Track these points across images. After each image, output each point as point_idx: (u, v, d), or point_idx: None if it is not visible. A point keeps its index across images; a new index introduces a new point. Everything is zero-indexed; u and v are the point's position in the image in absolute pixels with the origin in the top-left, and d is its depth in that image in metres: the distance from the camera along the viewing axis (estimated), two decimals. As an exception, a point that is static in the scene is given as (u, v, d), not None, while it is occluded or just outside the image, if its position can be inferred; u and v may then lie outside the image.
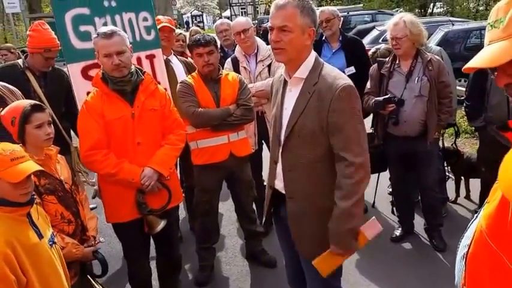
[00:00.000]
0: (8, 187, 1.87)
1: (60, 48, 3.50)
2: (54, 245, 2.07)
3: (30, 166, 1.94)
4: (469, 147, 6.22)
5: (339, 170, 2.03)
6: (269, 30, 2.05)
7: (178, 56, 4.34)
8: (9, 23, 22.38)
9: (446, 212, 4.34)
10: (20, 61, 3.61)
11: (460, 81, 8.05)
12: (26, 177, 1.88)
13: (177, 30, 4.96)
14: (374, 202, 4.63)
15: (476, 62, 1.07)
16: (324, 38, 4.38)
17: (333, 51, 4.34)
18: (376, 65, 3.80)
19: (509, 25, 1.02)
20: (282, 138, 2.16)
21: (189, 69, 4.15)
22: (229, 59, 4.10)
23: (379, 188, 4.58)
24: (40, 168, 2.01)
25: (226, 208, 4.67)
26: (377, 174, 4.36)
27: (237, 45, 4.12)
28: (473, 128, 6.67)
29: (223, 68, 3.64)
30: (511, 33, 1.02)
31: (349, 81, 2.03)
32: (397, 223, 4.15)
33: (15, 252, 1.83)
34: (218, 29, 4.87)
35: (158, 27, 3.90)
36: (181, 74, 4.06)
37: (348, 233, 2.06)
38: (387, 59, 3.74)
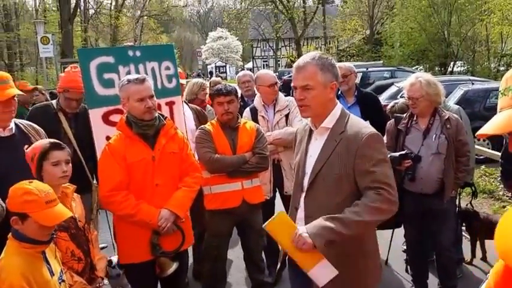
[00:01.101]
0: (35, 227, 1.92)
1: (82, 91, 3.62)
2: (63, 283, 2.10)
3: (64, 212, 2.01)
4: (486, 207, 6.11)
5: (364, 197, 2.03)
6: (293, 89, 2.16)
7: (190, 104, 4.49)
8: (41, 66, 23.45)
9: (461, 273, 4.21)
10: (54, 102, 3.77)
11: (478, 140, 8.03)
12: None
13: (199, 80, 5.20)
14: (387, 259, 4.54)
15: (488, 128, 1.13)
16: (339, 92, 4.49)
17: (348, 105, 4.42)
18: (393, 120, 3.83)
19: None
20: (306, 184, 2.19)
21: (199, 116, 4.31)
22: (248, 109, 4.24)
23: (393, 245, 4.50)
24: (71, 214, 2.07)
25: (235, 255, 4.61)
26: (391, 231, 4.30)
27: (257, 95, 4.25)
28: (491, 188, 6.64)
29: (241, 117, 3.76)
30: None
31: (375, 130, 2.10)
32: (410, 282, 4.04)
33: (31, 286, 1.87)
34: (240, 80, 5.06)
35: None
36: (190, 122, 4.21)
37: (328, 235, 1.97)
38: (405, 115, 3.75)
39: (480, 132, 1.15)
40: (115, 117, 3.25)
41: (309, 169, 2.19)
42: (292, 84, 2.17)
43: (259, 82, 4.22)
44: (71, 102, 3.68)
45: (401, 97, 6.87)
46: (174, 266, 2.88)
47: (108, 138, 3.04)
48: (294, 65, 2.18)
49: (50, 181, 2.37)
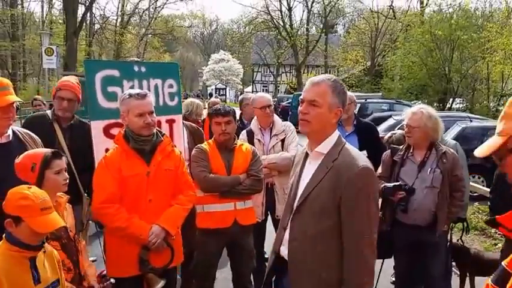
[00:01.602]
0: (28, 232, 1.94)
1: (74, 92, 3.65)
2: None
3: (57, 221, 2.02)
4: (477, 244, 6.12)
5: (345, 246, 2.06)
6: (300, 102, 2.19)
7: (184, 122, 4.49)
8: (44, 77, 23.61)
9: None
10: (49, 112, 3.76)
11: (473, 177, 8.05)
12: None
13: (194, 100, 5.29)
14: (375, 289, 4.50)
15: (478, 151, 1.43)
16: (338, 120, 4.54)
17: (346, 134, 4.46)
18: (389, 151, 3.85)
19: (501, 121, 1.34)
20: (295, 206, 2.21)
21: (192, 133, 4.32)
22: (244, 131, 4.28)
23: (382, 276, 4.47)
24: (65, 224, 2.09)
25: (224, 276, 4.53)
26: (381, 261, 4.28)
27: (254, 119, 4.30)
28: (483, 225, 6.64)
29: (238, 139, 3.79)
30: (500, 130, 1.34)
31: (369, 163, 2.09)
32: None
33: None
34: (245, 101, 5.16)
35: None
36: (184, 139, 4.18)
37: None
38: (401, 147, 3.78)
39: (476, 152, 1.41)
40: (115, 131, 3.28)
41: (299, 192, 2.21)
42: (300, 97, 2.20)
43: (253, 104, 4.28)
44: (61, 101, 3.61)
45: (399, 129, 6.93)
46: (161, 283, 2.86)
47: (107, 150, 3.06)
48: (310, 79, 2.22)
49: (52, 189, 2.40)
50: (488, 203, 3.95)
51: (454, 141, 4.40)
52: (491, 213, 3.96)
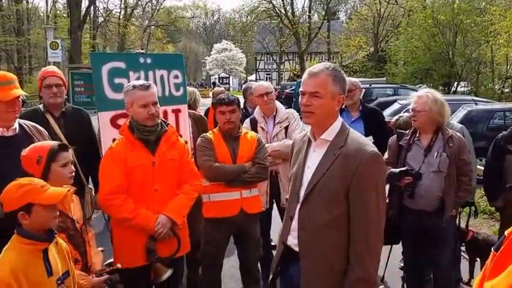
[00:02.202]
0: (43, 213, 1.98)
1: (59, 76, 3.61)
2: (62, 285, 2.10)
3: (60, 189, 2.07)
4: (486, 228, 6.09)
5: (352, 233, 2.06)
6: (300, 94, 2.16)
7: (188, 111, 4.51)
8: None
9: (458, 292, 4.21)
10: (40, 106, 3.70)
11: (481, 160, 8.00)
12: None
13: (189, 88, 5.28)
14: (384, 276, 4.51)
15: None
16: (344, 106, 4.52)
17: (352, 119, 4.44)
18: (395, 136, 3.82)
19: None
20: (302, 195, 2.19)
21: (196, 121, 4.33)
22: (248, 119, 4.27)
23: (390, 261, 4.48)
24: (66, 189, 2.13)
25: (231, 264, 4.56)
26: (389, 247, 4.28)
27: (257, 107, 4.29)
28: (492, 209, 6.62)
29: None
30: None
31: (376, 149, 2.08)
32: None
33: (19, 283, 1.89)
34: (249, 90, 5.18)
35: None
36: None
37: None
38: (407, 131, 3.74)
39: None
40: (122, 121, 3.29)
41: (305, 181, 2.19)
42: (300, 89, 2.17)
43: (255, 93, 4.27)
44: (50, 89, 3.53)
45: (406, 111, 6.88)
46: (168, 273, 2.89)
47: (114, 141, 3.08)
48: (307, 70, 2.18)
49: (58, 182, 2.38)
50: (484, 188, 3.96)
51: (461, 125, 4.35)
52: (489, 200, 3.97)
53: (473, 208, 4.26)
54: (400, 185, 3.58)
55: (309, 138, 2.26)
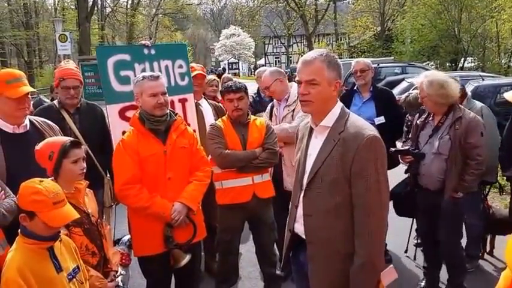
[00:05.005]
0: (41, 226, 1.98)
1: (78, 79, 3.63)
2: (74, 279, 2.15)
3: (71, 213, 2.05)
4: (497, 202, 6.08)
5: (355, 217, 2.06)
6: (297, 84, 2.18)
7: (209, 100, 4.60)
8: (59, 63, 23.76)
9: (473, 267, 4.22)
10: (55, 102, 3.76)
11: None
12: None
13: (210, 76, 5.30)
14: (407, 249, 4.55)
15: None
16: (355, 87, 4.54)
17: (364, 100, 4.46)
18: (417, 114, 3.86)
19: None
20: (304, 183, 2.20)
21: (217, 112, 4.41)
22: (270, 104, 4.35)
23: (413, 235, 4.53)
24: (78, 216, 2.11)
25: (247, 249, 4.65)
26: (411, 222, 4.33)
27: None
28: (502, 183, 6.56)
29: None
30: None
31: (375, 132, 2.07)
32: (422, 275, 4.02)
33: (28, 282, 1.92)
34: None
35: (192, 74, 4.18)
36: (209, 116, 4.31)
37: (369, 283, 2.07)
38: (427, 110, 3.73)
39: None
40: (131, 113, 3.35)
41: (308, 168, 2.20)
42: (296, 79, 2.17)
43: (262, 86, 4.35)
44: (68, 90, 3.59)
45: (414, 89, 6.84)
46: (187, 258, 2.96)
47: (124, 133, 3.13)
48: (301, 59, 2.18)
49: (69, 178, 2.42)
50: (499, 159, 3.95)
51: (481, 105, 4.28)
52: (502, 170, 3.96)
53: (497, 185, 4.23)
54: (404, 163, 3.71)
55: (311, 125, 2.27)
